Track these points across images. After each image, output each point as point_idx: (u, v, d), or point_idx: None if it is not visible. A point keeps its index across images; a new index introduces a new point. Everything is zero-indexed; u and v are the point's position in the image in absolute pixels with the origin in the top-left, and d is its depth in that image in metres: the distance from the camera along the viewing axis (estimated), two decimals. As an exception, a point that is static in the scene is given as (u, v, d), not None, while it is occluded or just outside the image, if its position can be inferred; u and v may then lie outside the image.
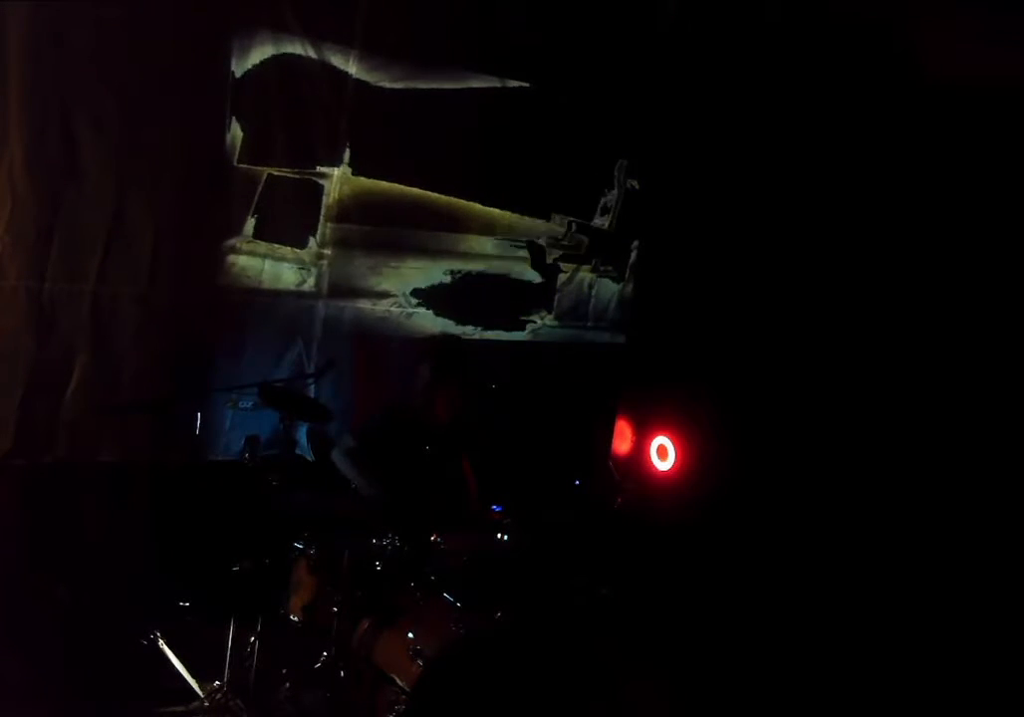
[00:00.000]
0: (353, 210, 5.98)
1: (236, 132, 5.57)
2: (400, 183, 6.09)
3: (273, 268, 5.82)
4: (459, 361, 5.20)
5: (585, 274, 6.83)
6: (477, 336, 6.52)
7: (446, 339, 5.71)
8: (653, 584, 5.43)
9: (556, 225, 6.66)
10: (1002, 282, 4.75)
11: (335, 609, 4.63)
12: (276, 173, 5.71)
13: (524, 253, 6.59)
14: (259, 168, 5.67)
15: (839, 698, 4.78)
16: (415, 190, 6.13)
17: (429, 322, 6.35)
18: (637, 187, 6.80)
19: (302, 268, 5.90)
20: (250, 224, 5.70)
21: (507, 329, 6.67)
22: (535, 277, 6.67)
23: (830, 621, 4.93)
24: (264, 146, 5.67)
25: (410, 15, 5.83)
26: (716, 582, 5.30)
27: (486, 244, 6.45)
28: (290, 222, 5.84)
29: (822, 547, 4.99)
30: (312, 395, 5.82)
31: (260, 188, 5.68)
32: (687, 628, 5.23)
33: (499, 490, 5.15)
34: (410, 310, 6.29)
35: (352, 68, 5.82)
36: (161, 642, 4.82)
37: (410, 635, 4.45)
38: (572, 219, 6.69)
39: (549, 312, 6.77)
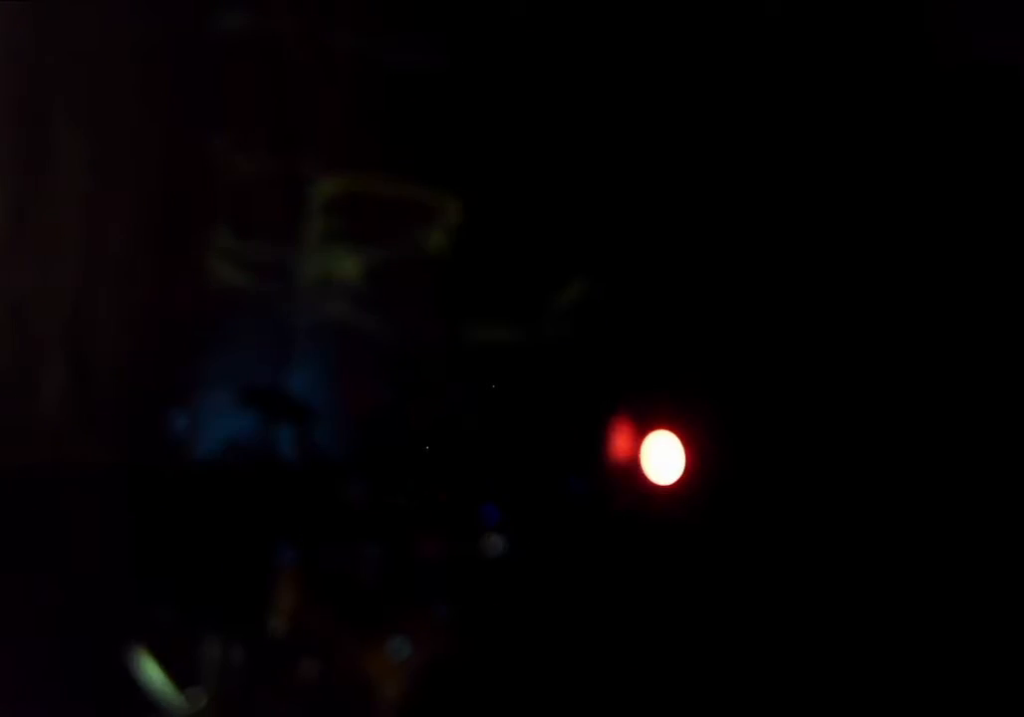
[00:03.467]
0: (346, 207, 5.94)
1: (226, 129, 5.51)
2: (396, 180, 6.03)
3: (261, 267, 5.75)
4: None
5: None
6: (476, 336, 6.49)
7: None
8: (653, 587, 5.42)
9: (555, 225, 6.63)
10: (1011, 279, 4.70)
11: (322, 618, 4.65)
12: (266, 170, 5.67)
13: (523, 253, 6.57)
14: (249, 165, 5.62)
15: (843, 706, 4.74)
16: (411, 186, 6.07)
17: (426, 322, 6.31)
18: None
19: (292, 267, 5.85)
20: (239, 223, 5.64)
21: (507, 329, 6.63)
22: (535, 277, 6.64)
23: (836, 628, 4.89)
24: (254, 142, 5.61)
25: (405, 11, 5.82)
26: (717, 583, 5.27)
27: (484, 243, 6.43)
28: (280, 220, 5.78)
29: (822, 547, 4.96)
30: (294, 395, 5.78)
31: (250, 186, 5.62)
32: (688, 632, 5.20)
33: (496, 490, 5.15)
34: (406, 309, 6.25)
35: (346, 63, 5.77)
36: (142, 651, 4.75)
37: (399, 644, 4.50)
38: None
39: (549, 312, 6.73)
